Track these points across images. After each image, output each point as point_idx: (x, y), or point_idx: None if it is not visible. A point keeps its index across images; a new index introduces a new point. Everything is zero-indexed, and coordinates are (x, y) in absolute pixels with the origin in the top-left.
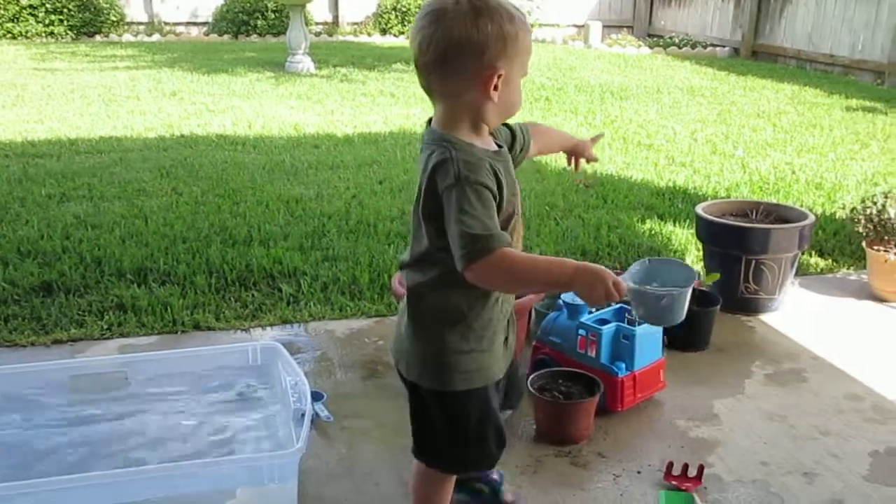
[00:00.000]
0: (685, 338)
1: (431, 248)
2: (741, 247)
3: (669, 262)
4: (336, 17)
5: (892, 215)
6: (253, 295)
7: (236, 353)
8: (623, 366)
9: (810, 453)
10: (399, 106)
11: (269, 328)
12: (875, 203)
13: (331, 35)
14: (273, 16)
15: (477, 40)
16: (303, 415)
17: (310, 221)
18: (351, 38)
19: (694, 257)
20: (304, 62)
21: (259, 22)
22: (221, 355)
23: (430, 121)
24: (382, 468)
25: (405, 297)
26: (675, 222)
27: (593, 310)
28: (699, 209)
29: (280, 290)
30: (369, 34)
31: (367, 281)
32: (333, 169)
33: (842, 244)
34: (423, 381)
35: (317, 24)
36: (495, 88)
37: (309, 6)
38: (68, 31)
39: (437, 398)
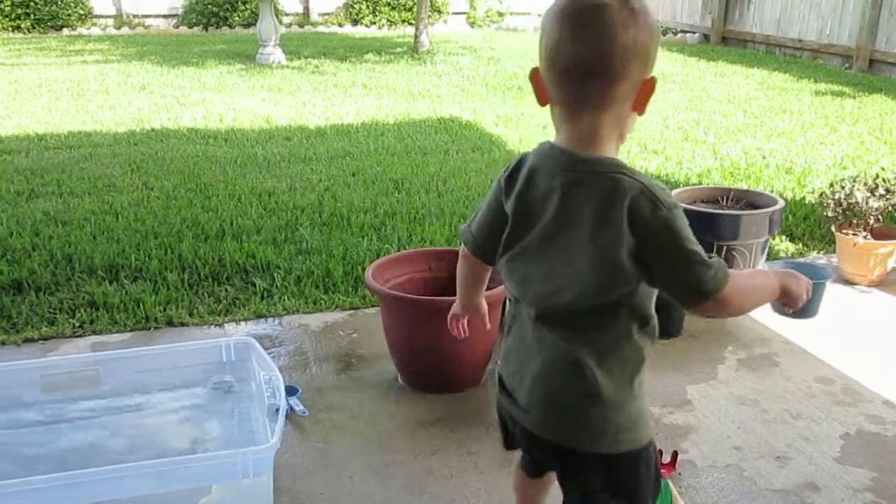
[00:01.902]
0: (658, 325)
1: (616, 295)
2: (712, 233)
3: (800, 264)
4: (307, 8)
5: (860, 199)
6: (226, 290)
7: (210, 348)
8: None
9: (782, 437)
10: (371, 97)
11: (242, 323)
12: (843, 187)
13: (302, 26)
14: (243, 7)
15: (644, 45)
16: (277, 409)
17: (282, 215)
18: (322, 28)
19: None
20: (276, 54)
21: (229, 14)
22: (195, 351)
23: (571, 143)
24: (358, 461)
25: (561, 354)
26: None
27: None
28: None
29: (253, 284)
30: (340, 25)
31: (341, 274)
32: (306, 161)
33: (811, 228)
34: (607, 447)
35: (287, 15)
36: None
37: None
38: (35, 26)
39: (626, 461)
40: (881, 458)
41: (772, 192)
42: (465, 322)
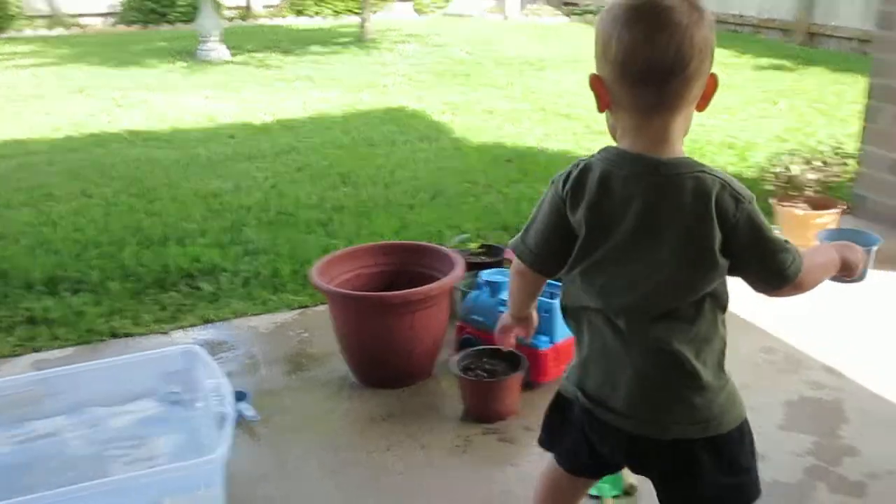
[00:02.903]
0: None
1: (706, 289)
2: None
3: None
4: (249, 1)
5: (798, 172)
6: (171, 296)
7: (155, 359)
8: (545, 339)
9: None
10: (317, 90)
11: (190, 329)
12: (781, 161)
13: (244, 19)
14: (183, 3)
15: (711, 42)
16: (226, 417)
17: (228, 215)
18: (266, 21)
19: None
20: (218, 49)
21: (168, 10)
22: (139, 363)
23: (643, 147)
24: (312, 463)
25: (656, 355)
26: None
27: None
28: None
29: (199, 288)
30: (284, 17)
31: (289, 272)
32: (251, 159)
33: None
34: (713, 430)
35: (229, 9)
36: None
37: None
38: None
39: (735, 434)
40: (821, 422)
41: (714, 167)
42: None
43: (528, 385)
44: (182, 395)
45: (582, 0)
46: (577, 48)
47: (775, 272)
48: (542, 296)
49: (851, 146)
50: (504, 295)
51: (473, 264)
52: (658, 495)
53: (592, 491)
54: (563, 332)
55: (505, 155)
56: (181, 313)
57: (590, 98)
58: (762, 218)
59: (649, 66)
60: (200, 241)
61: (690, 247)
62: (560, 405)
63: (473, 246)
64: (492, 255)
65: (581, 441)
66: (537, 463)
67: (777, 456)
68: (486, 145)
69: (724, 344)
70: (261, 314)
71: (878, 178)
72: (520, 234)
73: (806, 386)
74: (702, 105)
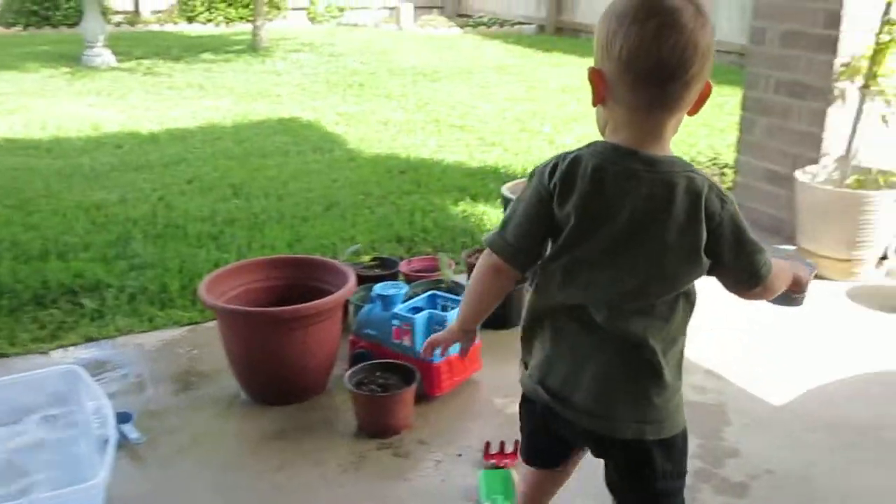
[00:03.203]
0: (499, 315)
1: (685, 286)
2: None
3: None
4: (137, 6)
5: None
6: (52, 314)
7: (32, 381)
8: (438, 351)
9: None
10: (208, 98)
11: (71, 348)
12: None
13: (132, 25)
14: (68, 5)
15: (712, 49)
16: (107, 441)
17: (113, 228)
18: (155, 27)
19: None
20: (104, 55)
21: (51, 12)
22: (15, 385)
23: (638, 143)
24: (201, 484)
25: (628, 352)
26: (487, 202)
27: (406, 299)
28: (504, 189)
29: (82, 305)
30: (175, 23)
31: (178, 288)
32: (138, 170)
33: None
34: (666, 431)
35: (116, 13)
36: None
37: None
38: None
39: (680, 440)
40: (704, 424)
41: None
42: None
43: (422, 398)
44: (62, 418)
45: (476, 12)
46: (471, 60)
47: (752, 272)
48: (435, 308)
49: (730, 156)
50: (397, 308)
51: (366, 277)
52: (608, 481)
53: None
54: (456, 346)
55: (399, 166)
56: (62, 332)
57: (483, 110)
58: (743, 219)
59: (654, 66)
60: (83, 255)
61: (680, 244)
62: (522, 403)
63: (366, 259)
64: (385, 268)
65: (548, 435)
66: (431, 477)
67: None
68: (380, 157)
69: (684, 346)
70: (148, 331)
71: (753, 186)
72: (495, 231)
73: (689, 389)
74: (694, 110)
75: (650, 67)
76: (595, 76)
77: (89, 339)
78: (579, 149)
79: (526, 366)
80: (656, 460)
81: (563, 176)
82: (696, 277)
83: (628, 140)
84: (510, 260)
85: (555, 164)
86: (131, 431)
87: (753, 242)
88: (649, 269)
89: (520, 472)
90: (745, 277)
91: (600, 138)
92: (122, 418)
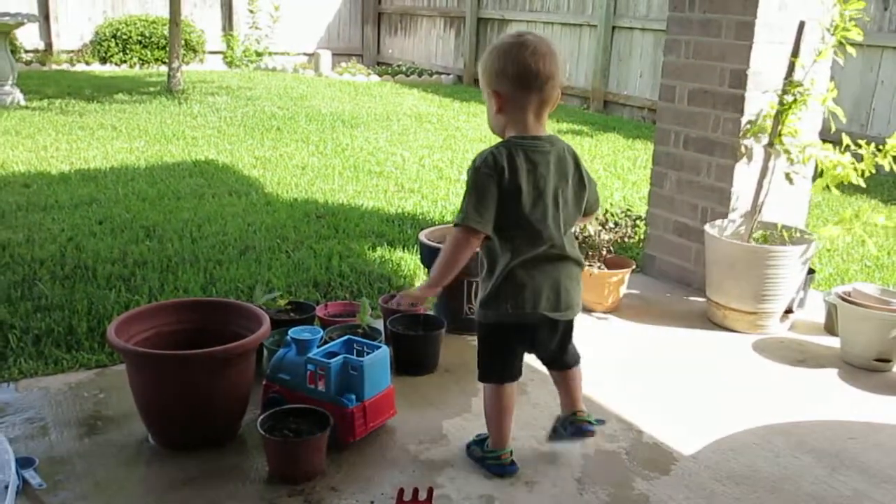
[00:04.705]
0: (414, 361)
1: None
2: (465, 269)
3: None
4: (49, 45)
5: (593, 233)
6: None
7: None
8: (353, 397)
9: (530, 463)
10: (121, 139)
11: None
12: None
13: (43, 64)
14: None
15: (559, 64)
16: (6, 486)
17: (18, 269)
18: (67, 66)
19: (422, 282)
20: (13, 94)
21: None
22: None
23: (534, 131)
24: None
25: (571, 265)
26: (404, 248)
27: (321, 344)
28: (421, 236)
29: None
30: (88, 63)
31: (86, 330)
32: (46, 210)
33: None
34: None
35: (27, 52)
36: None
37: (17, 32)
38: None
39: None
40: (616, 473)
41: None
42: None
43: (336, 444)
44: None
45: (395, 60)
46: (390, 107)
47: (596, 199)
48: (350, 353)
49: (643, 209)
50: (312, 352)
51: (282, 321)
52: (547, 358)
53: None
54: (371, 390)
55: (316, 211)
56: None
57: (401, 157)
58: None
59: (538, 77)
60: None
61: (577, 186)
62: (505, 339)
63: (282, 303)
64: (301, 313)
65: (517, 351)
66: None
67: None
68: (297, 201)
69: None
70: (53, 374)
71: (664, 238)
72: (464, 214)
73: (602, 438)
74: (552, 108)
75: (535, 78)
76: (494, 95)
77: None
78: (499, 146)
79: (510, 307)
80: (570, 332)
81: (507, 161)
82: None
83: (530, 130)
84: (484, 228)
85: (494, 157)
86: (33, 477)
87: (593, 180)
88: (569, 208)
89: (495, 405)
90: (594, 204)
91: None
92: (26, 463)
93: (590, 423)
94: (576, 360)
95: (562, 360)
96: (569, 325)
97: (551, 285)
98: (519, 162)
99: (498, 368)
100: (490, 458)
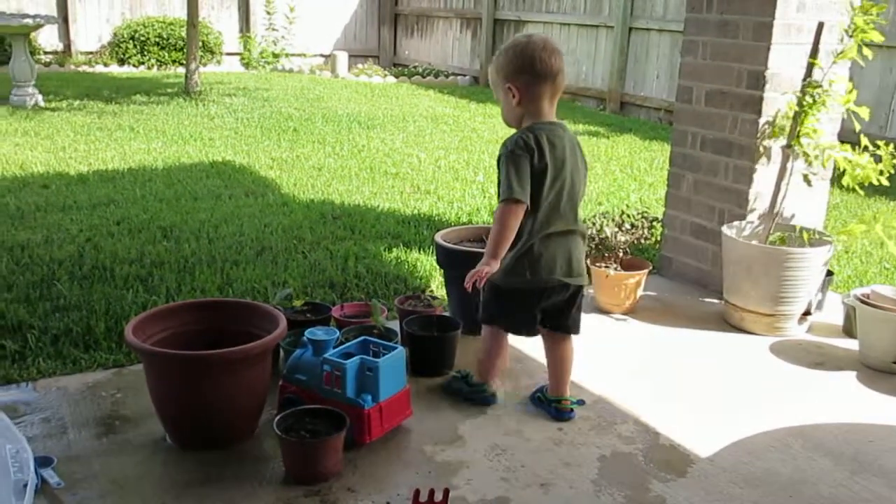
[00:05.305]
0: (430, 362)
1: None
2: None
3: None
4: (68, 46)
5: (609, 234)
6: None
7: None
8: (369, 398)
9: (546, 465)
10: (139, 140)
11: None
12: (594, 223)
13: (62, 65)
14: None
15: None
16: (25, 485)
17: (37, 269)
18: (86, 68)
19: (438, 283)
20: (32, 95)
21: None
22: None
23: (549, 118)
24: None
25: (578, 237)
26: (420, 250)
27: (337, 345)
28: (438, 237)
29: (3, 347)
30: (106, 64)
31: (104, 330)
32: (65, 210)
33: None
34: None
35: (46, 53)
36: None
37: (36, 34)
38: None
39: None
40: (632, 476)
41: None
42: None
43: (352, 445)
44: None
45: (411, 62)
46: (406, 108)
47: (586, 183)
48: (366, 354)
49: (659, 210)
50: (328, 353)
51: (298, 322)
52: (553, 324)
53: None
54: (387, 391)
55: (332, 212)
56: None
57: (417, 158)
58: None
59: (551, 69)
60: (5, 295)
61: (584, 169)
62: (521, 301)
63: (298, 303)
64: (316, 314)
65: (530, 312)
66: None
67: None
68: (313, 202)
69: None
70: (71, 374)
71: (681, 240)
72: (508, 189)
73: (619, 440)
74: (559, 97)
75: (551, 72)
76: (513, 87)
77: (9, 381)
78: (524, 130)
79: (529, 273)
80: (578, 299)
81: (536, 143)
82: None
83: (546, 116)
84: (526, 199)
85: (524, 140)
86: (52, 476)
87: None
88: (578, 186)
89: (493, 345)
90: (585, 184)
91: None
92: (44, 462)
93: (572, 409)
94: (577, 327)
95: (565, 325)
96: (577, 290)
97: (564, 255)
98: (544, 143)
99: (505, 320)
100: (477, 390)
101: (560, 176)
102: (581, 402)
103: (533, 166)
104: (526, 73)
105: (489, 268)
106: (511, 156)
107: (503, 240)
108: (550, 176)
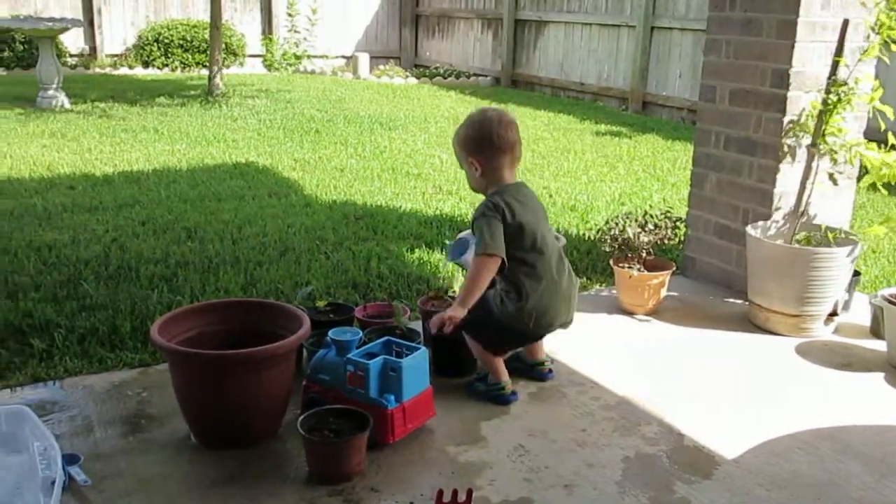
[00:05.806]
0: (453, 363)
1: None
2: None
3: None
4: (93, 49)
5: (632, 235)
6: None
7: None
8: (392, 398)
9: (570, 466)
10: (163, 142)
11: (18, 389)
12: (617, 224)
13: (88, 68)
14: (21, 47)
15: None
16: (53, 482)
17: (64, 269)
18: (111, 70)
19: (460, 284)
20: (58, 97)
21: (6, 53)
22: None
23: (510, 181)
24: None
25: (573, 276)
26: (442, 250)
27: (360, 345)
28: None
29: (31, 345)
30: (131, 67)
31: (129, 329)
32: (91, 211)
33: (594, 262)
34: None
35: (72, 55)
36: None
37: (62, 37)
38: None
39: None
40: (657, 478)
41: (557, 229)
42: None
43: (375, 445)
44: (7, 458)
45: (432, 63)
46: (427, 108)
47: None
48: (389, 355)
49: (683, 210)
50: (351, 353)
51: (321, 322)
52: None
53: None
54: (410, 391)
55: (355, 213)
56: (9, 371)
57: (439, 159)
58: None
59: (508, 142)
60: (33, 295)
61: (545, 215)
62: (517, 336)
63: (321, 304)
64: (339, 314)
65: (523, 345)
66: None
67: None
68: (336, 203)
69: None
70: (97, 373)
71: (704, 240)
72: (483, 244)
73: (643, 442)
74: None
75: (509, 144)
76: (475, 161)
77: (37, 380)
78: (493, 195)
79: (532, 324)
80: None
81: (506, 205)
82: None
83: (508, 181)
84: (500, 253)
85: (494, 203)
86: (79, 474)
87: None
88: (551, 234)
89: (490, 357)
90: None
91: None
92: (71, 460)
93: (550, 370)
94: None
95: None
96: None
97: (563, 300)
98: (513, 204)
99: (493, 346)
100: (496, 390)
101: (538, 229)
102: (551, 361)
103: (508, 225)
104: (486, 149)
105: (457, 314)
106: (483, 217)
107: (475, 289)
108: (529, 230)
